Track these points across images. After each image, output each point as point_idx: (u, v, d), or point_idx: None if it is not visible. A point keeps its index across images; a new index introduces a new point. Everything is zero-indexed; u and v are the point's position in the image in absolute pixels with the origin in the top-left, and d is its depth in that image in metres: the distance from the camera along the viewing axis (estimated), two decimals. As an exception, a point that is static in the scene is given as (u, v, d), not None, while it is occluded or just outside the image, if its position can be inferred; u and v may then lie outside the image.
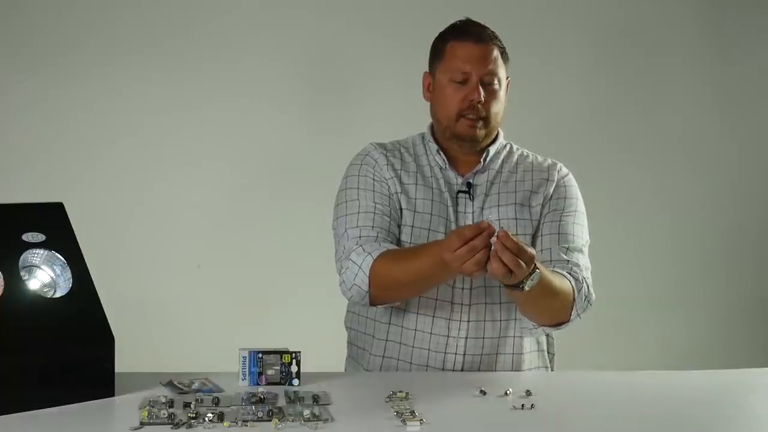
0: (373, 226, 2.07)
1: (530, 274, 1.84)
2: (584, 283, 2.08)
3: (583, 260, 2.14)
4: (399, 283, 2.00)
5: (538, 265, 1.87)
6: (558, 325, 2.07)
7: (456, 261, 1.80)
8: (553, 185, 2.18)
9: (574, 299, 2.03)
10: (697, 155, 3.65)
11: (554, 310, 2.04)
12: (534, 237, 2.14)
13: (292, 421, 1.58)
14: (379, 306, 2.08)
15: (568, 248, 2.12)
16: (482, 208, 2.13)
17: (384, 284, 2.00)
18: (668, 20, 3.60)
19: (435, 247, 1.90)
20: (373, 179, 2.14)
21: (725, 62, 3.64)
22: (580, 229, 2.18)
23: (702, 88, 3.64)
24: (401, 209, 2.12)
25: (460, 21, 2.17)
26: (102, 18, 3.33)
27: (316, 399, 1.71)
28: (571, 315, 2.05)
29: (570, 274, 2.06)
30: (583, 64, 3.58)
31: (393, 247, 2.05)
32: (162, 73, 3.36)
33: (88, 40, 3.33)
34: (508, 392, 1.79)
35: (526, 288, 1.86)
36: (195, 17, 3.38)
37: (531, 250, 1.82)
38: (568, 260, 2.09)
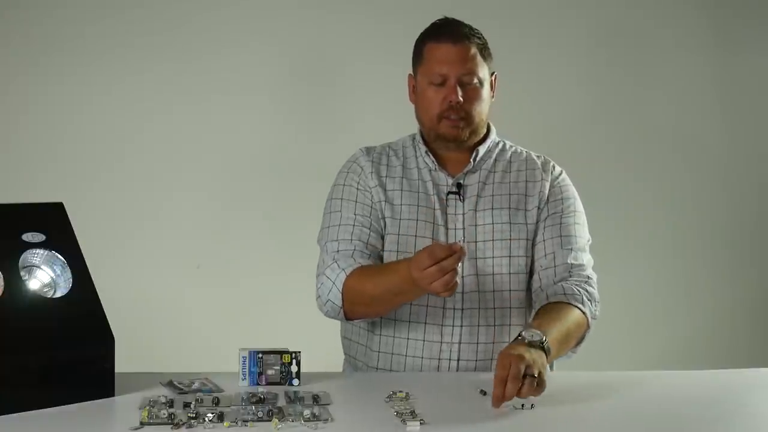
0: (351, 239, 2.08)
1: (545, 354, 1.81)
2: (586, 289, 2.07)
3: (587, 258, 2.14)
4: (371, 298, 2.00)
5: (545, 335, 1.83)
6: (582, 340, 2.09)
7: (424, 279, 1.79)
8: (548, 186, 2.17)
9: (583, 312, 2.04)
10: (699, 154, 3.64)
11: (575, 339, 2.04)
12: (534, 241, 2.13)
13: (292, 421, 1.57)
14: (354, 321, 2.10)
15: (571, 249, 2.12)
16: (475, 210, 2.12)
17: (356, 300, 2.02)
18: (668, 17, 3.60)
19: (405, 264, 1.88)
20: (357, 188, 2.14)
21: (726, 60, 3.63)
22: (581, 228, 2.17)
23: (704, 86, 3.63)
24: (385, 218, 2.12)
25: (438, 20, 2.15)
26: (99, 19, 3.33)
27: (316, 399, 1.71)
28: (589, 326, 2.06)
29: (573, 288, 2.04)
30: (582, 62, 3.57)
31: (368, 262, 2.05)
32: (162, 74, 3.36)
33: (87, 41, 3.32)
34: (508, 392, 1.79)
35: (548, 347, 1.84)
36: (195, 20, 3.38)
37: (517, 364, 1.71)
38: (572, 263, 2.10)
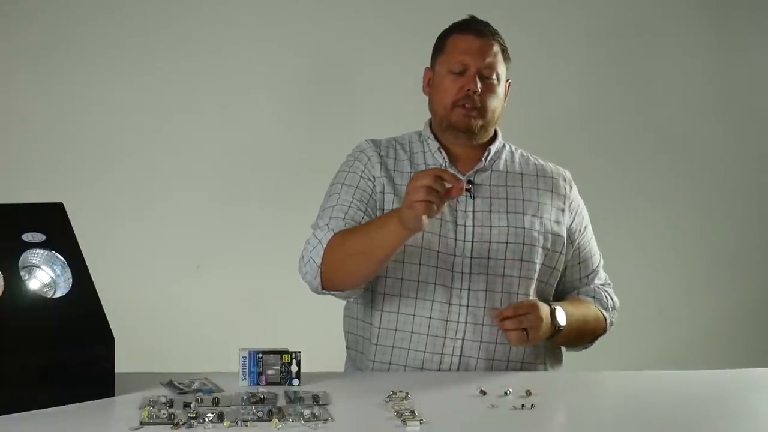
0: (344, 218, 2.07)
1: (552, 313, 2.04)
2: (611, 296, 2.25)
3: (603, 274, 2.30)
4: (348, 254, 1.97)
5: (557, 304, 2.08)
6: (596, 338, 2.24)
7: (413, 192, 1.78)
8: (567, 202, 2.22)
9: (604, 317, 2.21)
10: (699, 153, 3.64)
11: (592, 331, 2.21)
12: (552, 264, 2.18)
13: (292, 421, 1.57)
14: (331, 293, 2.05)
15: (593, 271, 2.27)
16: (490, 212, 2.13)
17: (335, 257, 1.99)
18: (668, 16, 3.59)
19: (393, 211, 1.96)
20: (360, 176, 2.15)
21: (726, 59, 3.63)
22: (594, 243, 2.30)
23: (704, 85, 3.63)
24: (391, 210, 2.12)
25: (464, 18, 2.20)
26: (99, 18, 3.32)
27: (316, 399, 1.71)
28: (607, 327, 2.23)
29: (601, 293, 2.24)
30: (582, 62, 3.57)
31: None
32: (162, 73, 3.36)
33: (87, 40, 3.32)
34: (508, 392, 1.79)
35: (561, 324, 2.05)
36: (194, 19, 3.38)
37: (526, 301, 2.03)
38: (596, 287, 2.26)
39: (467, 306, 2.07)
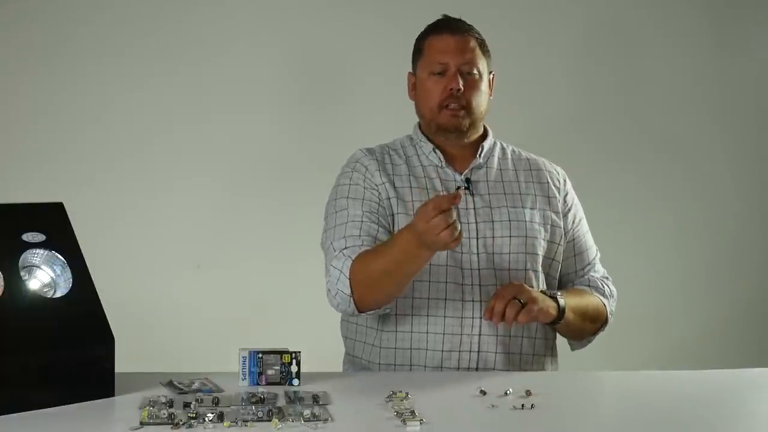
0: (359, 236, 2.06)
1: (552, 297, 2.05)
2: (608, 285, 2.24)
3: (600, 268, 2.29)
4: (377, 277, 1.97)
5: (559, 294, 2.08)
6: (599, 328, 2.23)
7: (431, 231, 1.78)
8: (562, 194, 2.23)
9: (603, 303, 2.20)
10: (698, 153, 3.64)
11: (593, 317, 2.18)
12: (552, 255, 2.19)
13: (292, 421, 1.57)
14: (368, 313, 2.06)
15: (588, 263, 2.26)
16: (490, 207, 2.14)
17: (364, 282, 1.98)
18: (668, 16, 3.59)
19: (407, 228, 1.90)
20: (364, 187, 2.14)
21: (726, 59, 3.63)
22: (589, 236, 2.29)
23: (702, 85, 3.63)
24: (397, 214, 2.12)
25: (438, 19, 2.21)
26: (100, 20, 3.33)
27: (316, 399, 1.71)
28: (608, 316, 2.21)
29: (598, 282, 2.23)
30: (583, 62, 3.57)
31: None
32: (162, 73, 3.36)
33: (88, 41, 3.32)
34: (508, 392, 1.79)
35: (562, 303, 2.05)
36: (193, 19, 3.38)
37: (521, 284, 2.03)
38: (590, 276, 2.25)
39: (480, 301, 2.07)
